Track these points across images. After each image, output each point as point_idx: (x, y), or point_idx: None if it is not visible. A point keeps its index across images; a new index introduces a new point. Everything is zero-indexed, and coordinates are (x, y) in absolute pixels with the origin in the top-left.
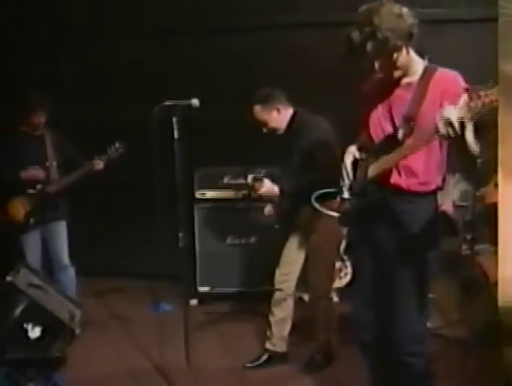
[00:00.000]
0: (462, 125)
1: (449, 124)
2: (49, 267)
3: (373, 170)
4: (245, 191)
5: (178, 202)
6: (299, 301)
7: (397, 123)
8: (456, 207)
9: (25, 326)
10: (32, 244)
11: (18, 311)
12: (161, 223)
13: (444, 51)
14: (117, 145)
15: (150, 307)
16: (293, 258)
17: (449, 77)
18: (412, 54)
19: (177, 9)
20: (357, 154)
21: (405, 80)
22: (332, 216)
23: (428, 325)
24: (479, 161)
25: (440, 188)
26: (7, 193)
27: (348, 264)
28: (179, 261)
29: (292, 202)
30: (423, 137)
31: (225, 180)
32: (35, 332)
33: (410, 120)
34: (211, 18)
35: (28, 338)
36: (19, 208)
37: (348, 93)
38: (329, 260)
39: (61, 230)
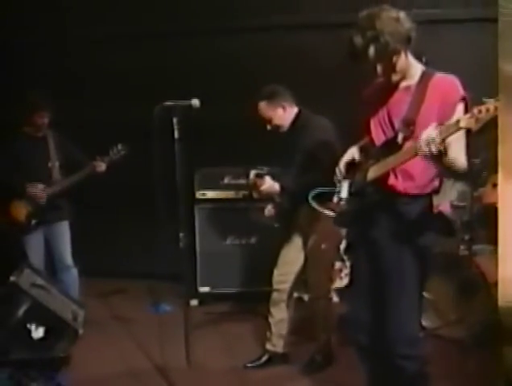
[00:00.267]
0: (443, 144)
1: (429, 143)
2: (52, 267)
3: (372, 173)
4: (245, 192)
5: (178, 202)
6: (298, 302)
7: (396, 126)
8: (453, 207)
9: (28, 326)
10: (35, 245)
11: (21, 311)
12: (162, 224)
13: (441, 51)
14: (119, 146)
15: (150, 308)
16: (291, 258)
17: (447, 82)
18: (410, 58)
19: (178, 10)
20: (357, 156)
21: (403, 84)
22: (329, 216)
23: (426, 325)
24: (475, 162)
25: (437, 191)
26: (10, 194)
27: (348, 264)
28: (180, 262)
29: (292, 201)
30: None
31: (226, 180)
32: (38, 332)
33: (409, 123)
34: (211, 18)
35: (31, 338)
36: (21, 209)
37: (348, 94)
38: (328, 260)
39: (64, 230)
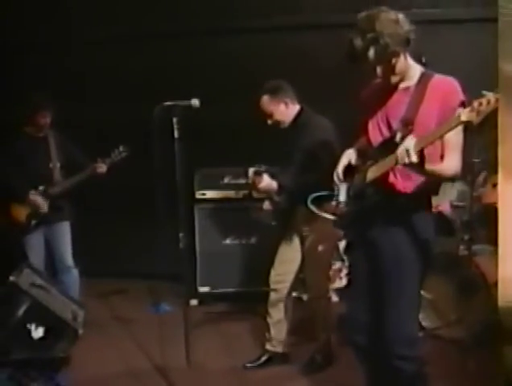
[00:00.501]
0: (422, 154)
1: (406, 153)
2: (53, 268)
3: (371, 174)
4: (245, 191)
5: (178, 202)
6: (297, 301)
7: (394, 127)
8: (453, 207)
9: (28, 326)
10: (35, 245)
11: (21, 311)
12: (161, 224)
13: (441, 51)
14: (120, 148)
15: (150, 308)
16: (289, 258)
17: (447, 83)
18: (409, 59)
19: (178, 10)
20: (354, 160)
21: (402, 85)
22: (327, 217)
23: (426, 325)
24: (475, 162)
25: (436, 191)
26: (10, 194)
27: (347, 264)
28: (180, 262)
29: (290, 200)
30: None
31: (226, 180)
32: (38, 332)
33: (407, 123)
34: (212, 19)
35: (31, 338)
36: (21, 209)
37: (348, 94)
38: (326, 260)
39: (65, 231)
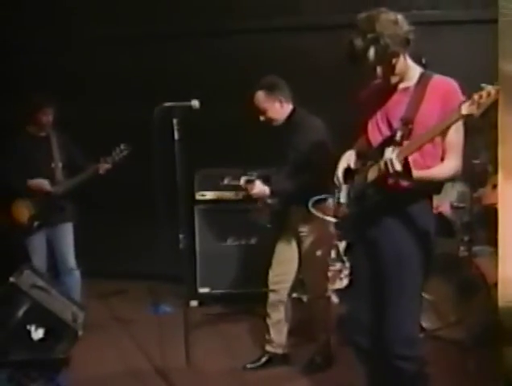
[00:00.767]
0: (408, 171)
1: (388, 164)
2: (55, 269)
3: (372, 173)
4: (244, 192)
5: (178, 203)
6: (298, 303)
7: (394, 126)
8: (453, 208)
9: (28, 327)
10: (37, 247)
11: (21, 312)
12: (161, 225)
13: (441, 52)
14: (121, 146)
15: (150, 308)
16: (286, 258)
17: (447, 84)
18: (409, 60)
19: (178, 11)
20: (353, 164)
21: (402, 85)
22: (322, 217)
23: (426, 326)
24: (475, 163)
25: (437, 191)
26: (12, 195)
27: (348, 265)
28: (180, 262)
29: (284, 202)
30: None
31: (225, 181)
32: (38, 333)
33: (407, 122)
34: (212, 20)
35: (31, 339)
36: (23, 211)
37: (348, 95)
38: (323, 260)
39: (67, 232)
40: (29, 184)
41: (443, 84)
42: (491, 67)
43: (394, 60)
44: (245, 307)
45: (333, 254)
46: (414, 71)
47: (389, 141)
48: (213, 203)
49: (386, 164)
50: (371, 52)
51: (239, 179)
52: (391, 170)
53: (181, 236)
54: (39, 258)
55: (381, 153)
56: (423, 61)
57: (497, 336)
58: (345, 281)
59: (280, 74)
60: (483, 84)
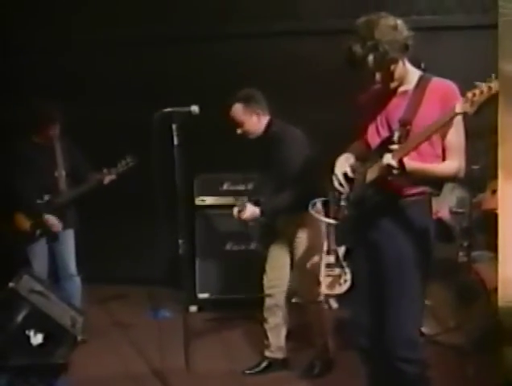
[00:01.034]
0: (401, 164)
1: (387, 168)
2: (55, 275)
3: (371, 175)
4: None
5: (178, 208)
6: (296, 307)
7: (393, 128)
8: (452, 213)
9: (27, 332)
10: (38, 253)
11: (20, 318)
12: (161, 230)
13: (441, 57)
14: (127, 159)
15: (150, 313)
16: (279, 263)
17: (446, 86)
18: (408, 65)
19: (178, 16)
20: (349, 169)
21: (401, 89)
22: (313, 220)
23: (425, 331)
24: (475, 168)
25: (436, 194)
26: (15, 203)
27: (347, 270)
28: (179, 268)
29: (272, 217)
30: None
31: (225, 186)
32: (37, 339)
33: (405, 123)
34: (212, 25)
35: (30, 344)
36: (25, 219)
37: (347, 100)
38: (312, 263)
39: (68, 239)
40: (43, 216)
41: (443, 86)
42: (491, 72)
43: (393, 66)
44: (245, 312)
45: (332, 259)
46: (414, 74)
47: (387, 143)
48: (213, 208)
49: (386, 168)
50: (370, 59)
51: (238, 184)
52: (385, 165)
53: (180, 241)
54: (41, 264)
55: (380, 155)
56: (422, 66)
57: (497, 336)
58: (345, 287)
59: (280, 79)
60: (477, 83)
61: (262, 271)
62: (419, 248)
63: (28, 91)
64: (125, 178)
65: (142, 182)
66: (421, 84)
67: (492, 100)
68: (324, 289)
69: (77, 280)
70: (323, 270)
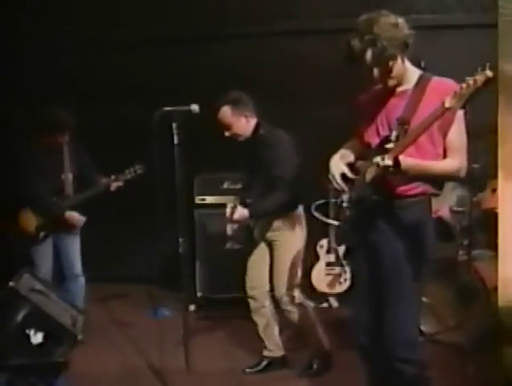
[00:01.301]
0: (396, 162)
1: (383, 168)
2: (59, 274)
3: (369, 174)
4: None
5: (178, 207)
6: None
7: (392, 127)
8: (452, 212)
9: (27, 331)
10: (44, 253)
11: (20, 317)
12: (161, 229)
13: (440, 56)
14: (136, 166)
15: (149, 312)
16: (260, 264)
17: (446, 85)
18: (407, 63)
19: (178, 16)
20: (347, 172)
21: (400, 88)
22: (293, 223)
23: (425, 330)
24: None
25: (436, 194)
26: (21, 203)
27: (347, 269)
28: (179, 267)
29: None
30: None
31: (225, 185)
32: (37, 338)
33: (404, 122)
34: (211, 25)
35: (30, 343)
36: (31, 220)
37: (347, 99)
38: (290, 266)
39: (74, 239)
40: (66, 216)
41: (443, 85)
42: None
43: (391, 63)
44: (245, 311)
45: (333, 258)
46: (413, 74)
47: (385, 142)
48: (213, 207)
49: (379, 166)
50: (368, 54)
51: (238, 183)
52: (381, 165)
53: (181, 239)
54: (45, 264)
55: (379, 154)
56: (422, 65)
57: (497, 335)
58: (345, 286)
59: (280, 79)
60: (467, 78)
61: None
62: (417, 249)
63: (30, 94)
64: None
65: (142, 182)
66: (421, 84)
67: (480, 93)
68: (324, 288)
69: (82, 280)
70: (323, 269)
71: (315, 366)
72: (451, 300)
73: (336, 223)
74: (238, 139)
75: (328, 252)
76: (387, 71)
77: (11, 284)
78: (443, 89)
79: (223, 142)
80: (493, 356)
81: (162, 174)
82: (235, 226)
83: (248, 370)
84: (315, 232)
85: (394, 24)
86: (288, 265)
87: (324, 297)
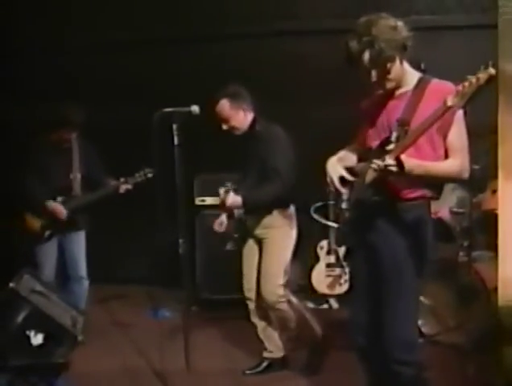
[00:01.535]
0: (399, 162)
1: (386, 169)
2: (63, 275)
3: (370, 176)
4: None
5: (178, 208)
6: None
7: (392, 129)
8: (452, 213)
9: (27, 332)
10: (48, 253)
11: (20, 318)
12: (161, 230)
13: (440, 57)
14: (146, 170)
15: (149, 313)
16: (253, 266)
17: (446, 87)
18: (406, 65)
19: (178, 17)
20: (346, 175)
21: (400, 91)
22: (283, 221)
23: (425, 331)
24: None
25: (436, 197)
26: (26, 204)
27: (347, 270)
28: (179, 268)
29: (249, 211)
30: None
31: None
32: (37, 339)
33: (404, 124)
34: (211, 25)
35: (31, 344)
36: (36, 219)
37: (346, 99)
38: (277, 264)
39: (80, 240)
40: (47, 205)
41: (442, 87)
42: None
43: (389, 65)
44: (245, 312)
45: (333, 259)
46: (412, 76)
47: (385, 143)
48: (213, 208)
49: (381, 169)
50: (366, 55)
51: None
52: (382, 166)
53: (181, 240)
54: (49, 263)
55: (379, 156)
56: (422, 66)
57: (497, 336)
58: (345, 287)
59: (280, 79)
60: (469, 76)
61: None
62: (416, 251)
63: (30, 94)
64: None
65: (143, 183)
66: (420, 86)
67: (482, 91)
68: (324, 289)
69: (86, 283)
70: (323, 270)
71: (313, 366)
72: (451, 301)
73: (335, 225)
74: (235, 133)
75: (329, 253)
76: (385, 73)
77: (12, 285)
78: (443, 91)
79: (223, 143)
80: (493, 357)
81: (162, 175)
82: (221, 221)
83: (248, 371)
84: (316, 233)
85: (392, 26)
86: (276, 264)
87: (324, 298)
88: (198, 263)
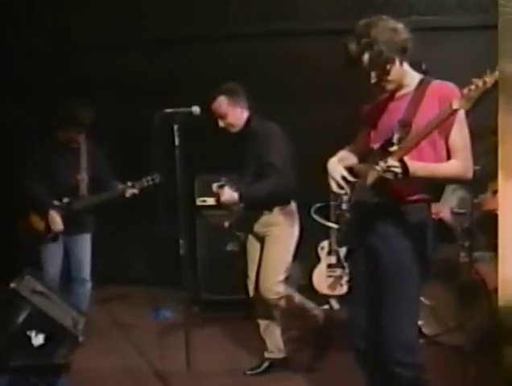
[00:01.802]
0: (403, 164)
1: (388, 172)
2: (66, 276)
3: (371, 177)
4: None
5: (179, 209)
6: None
7: (393, 130)
8: (453, 214)
9: (28, 333)
10: (53, 254)
11: (21, 318)
12: (162, 230)
13: (441, 58)
14: (154, 175)
15: (150, 314)
16: (255, 261)
17: (447, 88)
18: (406, 67)
19: (178, 17)
20: (348, 175)
21: (400, 93)
22: (285, 219)
23: (426, 332)
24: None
25: (437, 199)
26: (32, 203)
27: (348, 271)
28: (180, 268)
29: (248, 207)
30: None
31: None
32: (38, 339)
33: (405, 125)
34: (212, 25)
35: (31, 345)
36: (41, 220)
37: (346, 100)
38: (278, 261)
39: (85, 243)
40: (49, 212)
41: (443, 88)
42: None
43: (388, 66)
44: (246, 313)
45: (334, 260)
46: (413, 78)
47: (387, 145)
48: (214, 208)
49: (385, 172)
50: (365, 57)
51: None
52: (385, 168)
53: (181, 241)
54: (54, 264)
55: (381, 157)
56: (423, 67)
57: (498, 337)
58: (346, 288)
59: (280, 79)
60: (473, 79)
61: (245, 273)
62: (417, 253)
63: (30, 94)
64: (125, 179)
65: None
66: (421, 87)
67: (488, 94)
68: (325, 290)
69: (88, 285)
70: (324, 271)
71: (313, 366)
72: (452, 301)
73: (335, 226)
74: (232, 130)
75: (329, 253)
76: (385, 75)
77: (12, 285)
78: (444, 92)
79: (224, 144)
80: (493, 357)
81: (163, 176)
82: (228, 210)
83: (249, 372)
84: (316, 233)
85: (392, 28)
86: (275, 261)
87: (325, 298)
88: (199, 263)
